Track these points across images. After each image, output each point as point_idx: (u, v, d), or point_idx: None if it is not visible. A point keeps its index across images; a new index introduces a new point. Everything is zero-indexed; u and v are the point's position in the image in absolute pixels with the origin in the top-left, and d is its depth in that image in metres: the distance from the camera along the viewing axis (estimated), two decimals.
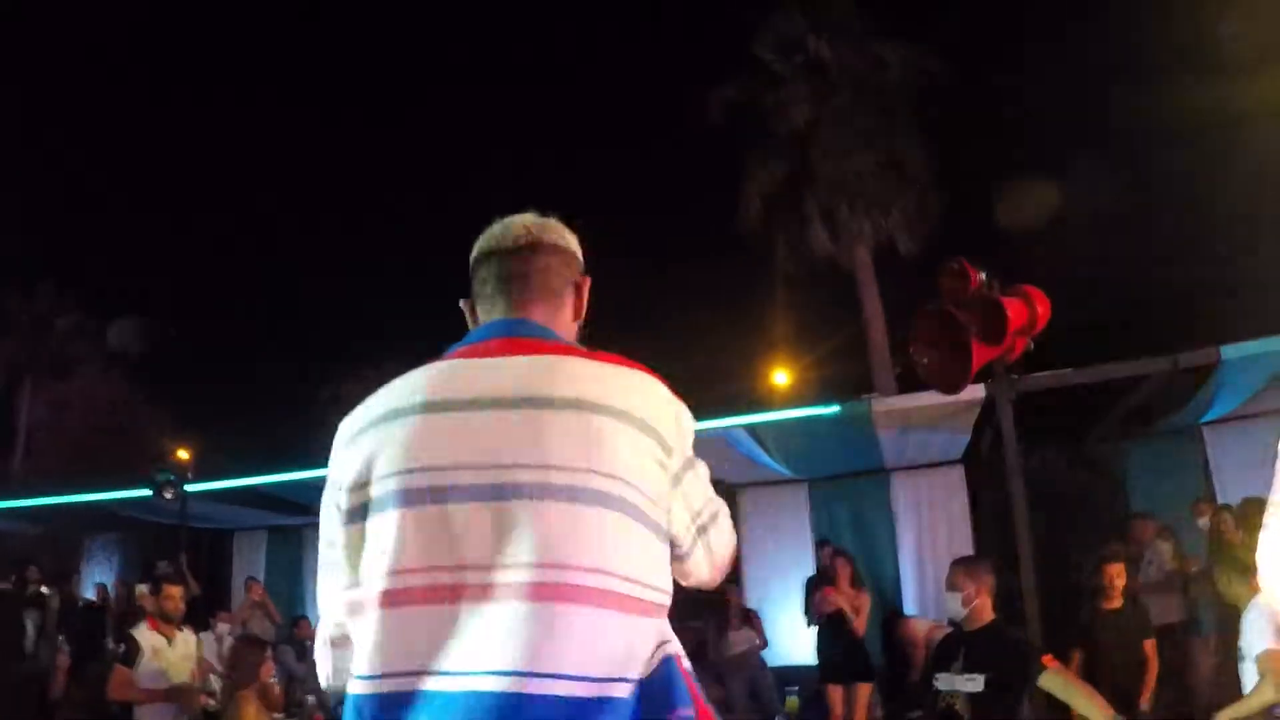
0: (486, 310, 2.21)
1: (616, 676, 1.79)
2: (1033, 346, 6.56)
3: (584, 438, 1.88)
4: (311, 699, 10.83)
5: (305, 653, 13.30)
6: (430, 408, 1.95)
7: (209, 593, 13.55)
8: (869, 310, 20.79)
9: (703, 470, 2.10)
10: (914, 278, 19.52)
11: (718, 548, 2.16)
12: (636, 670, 1.82)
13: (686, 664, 1.97)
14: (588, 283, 2.29)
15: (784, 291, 22.83)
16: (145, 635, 7.51)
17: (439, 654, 1.78)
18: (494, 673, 1.74)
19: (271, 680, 7.39)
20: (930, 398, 8.98)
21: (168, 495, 12.80)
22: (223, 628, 10.98)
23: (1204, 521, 10.23)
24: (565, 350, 2.08)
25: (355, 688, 1.87)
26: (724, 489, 12.50)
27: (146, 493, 13.13)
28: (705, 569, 2.16)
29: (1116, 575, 8.63)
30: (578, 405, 1.91)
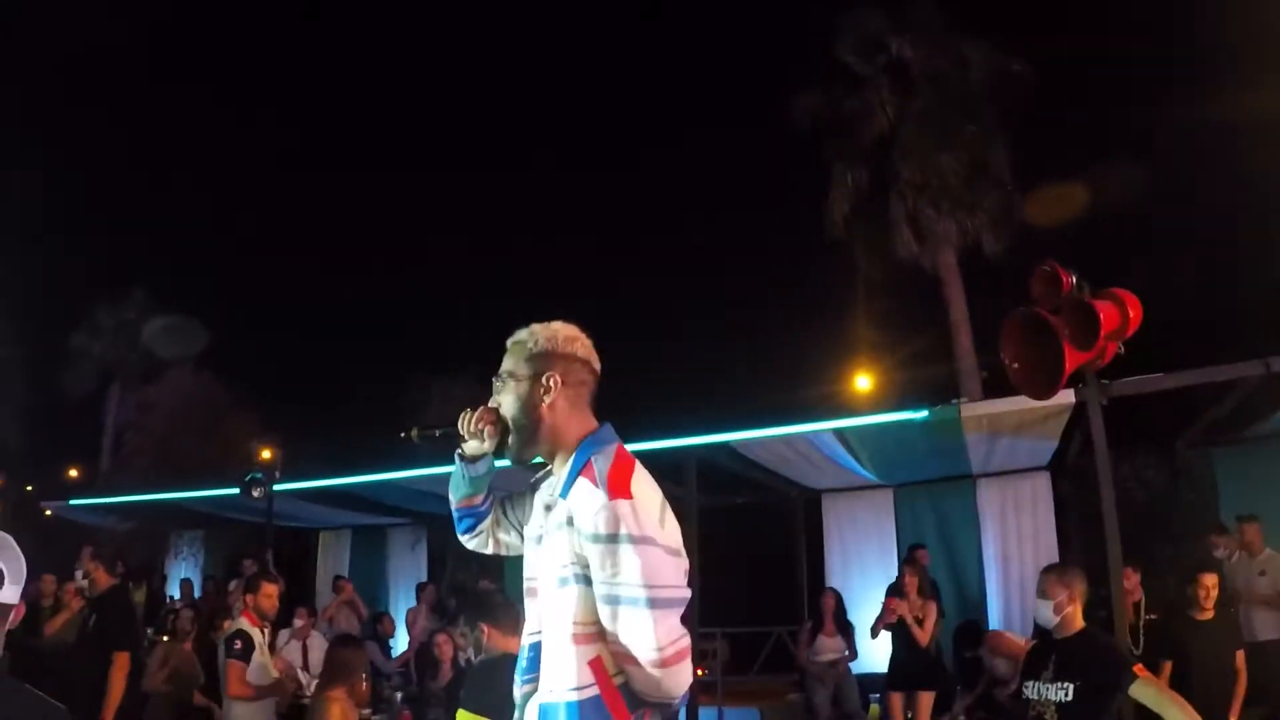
0: (586, 405, 3.04)
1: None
2: (1123, 350, 6.45)
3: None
4: (399, 695, 10.93)
5: (388, 649, 13.44)
6: None
7: (290, 590, 13.70)
8: (955, 314, 20.56)
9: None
10: (999, 280, 19.34)
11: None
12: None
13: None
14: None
15: (868, 295, 22.67)
16: (252, 631, 7.64)
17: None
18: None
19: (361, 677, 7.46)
20: (1019, 403, 8.87)
21: (255, 494, 12.96)
22: (299, 624, 11.08)
23: None
24: None
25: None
26: (805, 495, 12.43)
27: (234, 491, 13.30)
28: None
29: (1211, 585, 8.50)
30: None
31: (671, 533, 2.78)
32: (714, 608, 12.56)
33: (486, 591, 11.46)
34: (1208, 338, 15.32)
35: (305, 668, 10.24)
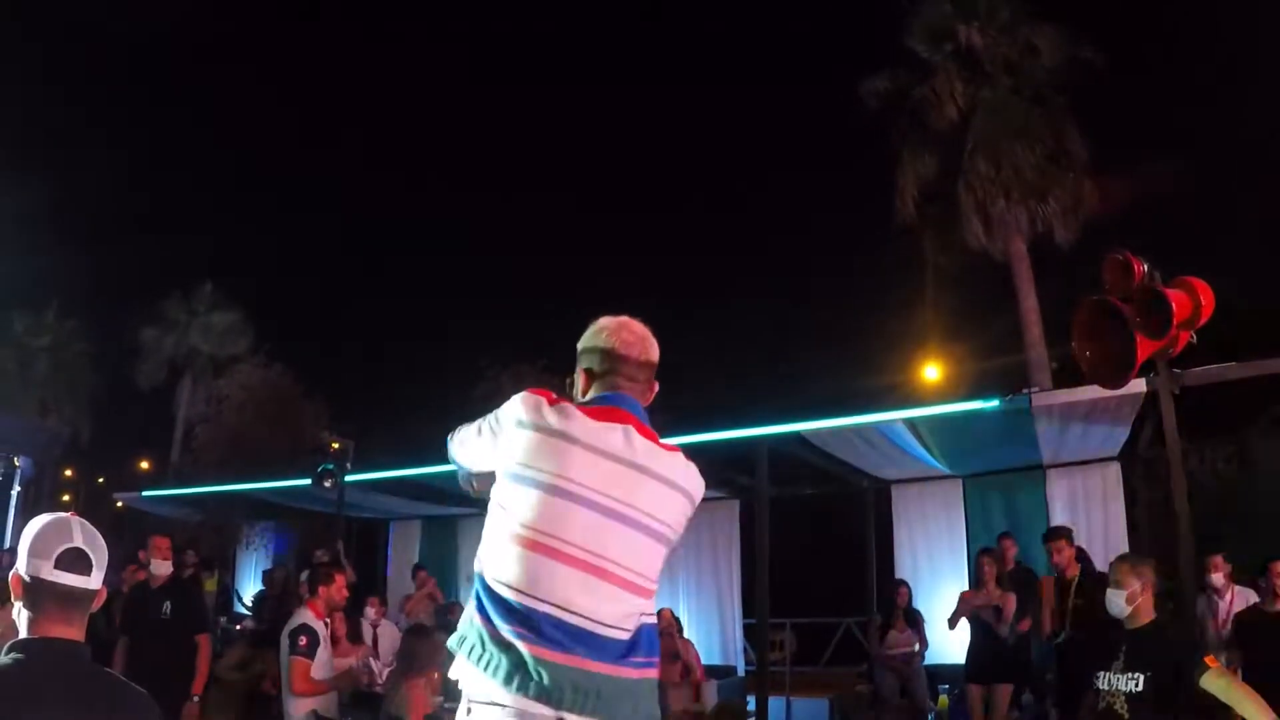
0: (602, 383, 3.24)
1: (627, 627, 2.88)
2: (1195, 340, 6.40)
3: (661, 496, 3.07)
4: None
5: None
6: (595, 448, 3.04)
7: (361, 579, 13.85)
8: (1025, 303, 20.38)
9: None
10: (1070, 269, 19.16)
11: None
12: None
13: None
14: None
15: (937, 284, 22.55)
16: (316, 625, 7.66)
17: (561, 593, 2.83)
18: (580, 613, 2.84)
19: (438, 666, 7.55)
20: (1090, 392, 8.82)
21: (327, 485, 13.10)
22: (371, 612, 11.19)
23: None
24: (652, 436, 3.09)
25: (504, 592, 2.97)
26: (875, 485, 12.40)
27: (305, 482, 13.45)
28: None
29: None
30: (659, 478, 3.05)
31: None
32: (783, 598, 12.55)
33: None
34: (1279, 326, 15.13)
35: (375, 656, 10.34)
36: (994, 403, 9.85)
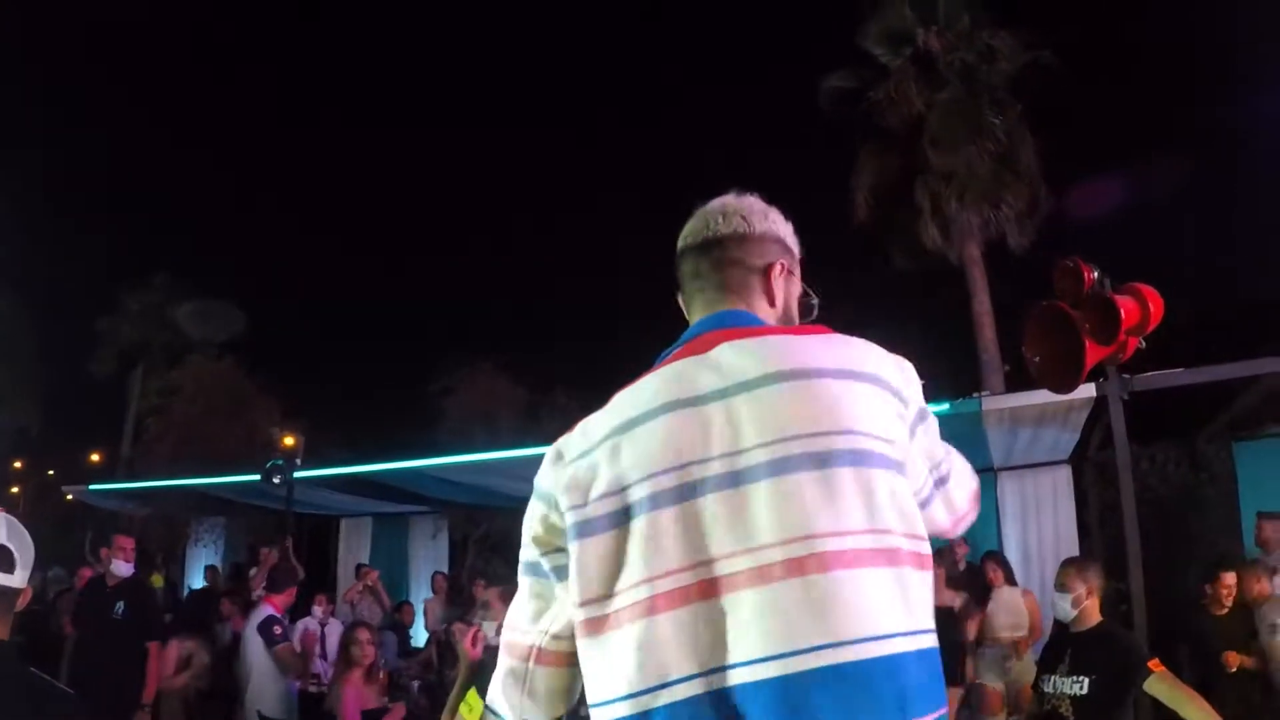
0: (690, 306, 2.25)
1: (895, 632, 1.75)
2: (1144, 345, 6.45)
3: (812, 402, 1.87)
4: (416, 684, 10.97)
5: (408, 638, 13.48)
6: (665, 409, 1.94)
7: (312, 577, 13.76)
8: (979, 306, 20.51)
9: (933, 422, 2.13)
10: (1024, 274, 19.28)
11: (958, 499, 2.26)
12: (914, 624, 1.79)
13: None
14: (783, 268, 2.23)
15: (892, 286, 22.64)
16: (280, 617, 7.78)
17: (706, 654, 1.74)
18: (763, 659, 1.70)
19: (379, 665, 7.53)
20: (1041, 396, 8.86)
21: (275, 480, 13.02)
22: (318, 610, 11.12)
23: None
24: (772, 331, 2.08)
25: (614, 712, 1.82)
26: None
27: (255, 478, 13.36)
28: (945, 518, 2.23)
29: (1231, 584, 8.51)
30: (802, 374, 1.90)
31: None
32: None
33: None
34: (1231, 333, 15.28)
35: (324, 655, 10.29)
36: (944, 406, 9.88)
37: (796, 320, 2.27)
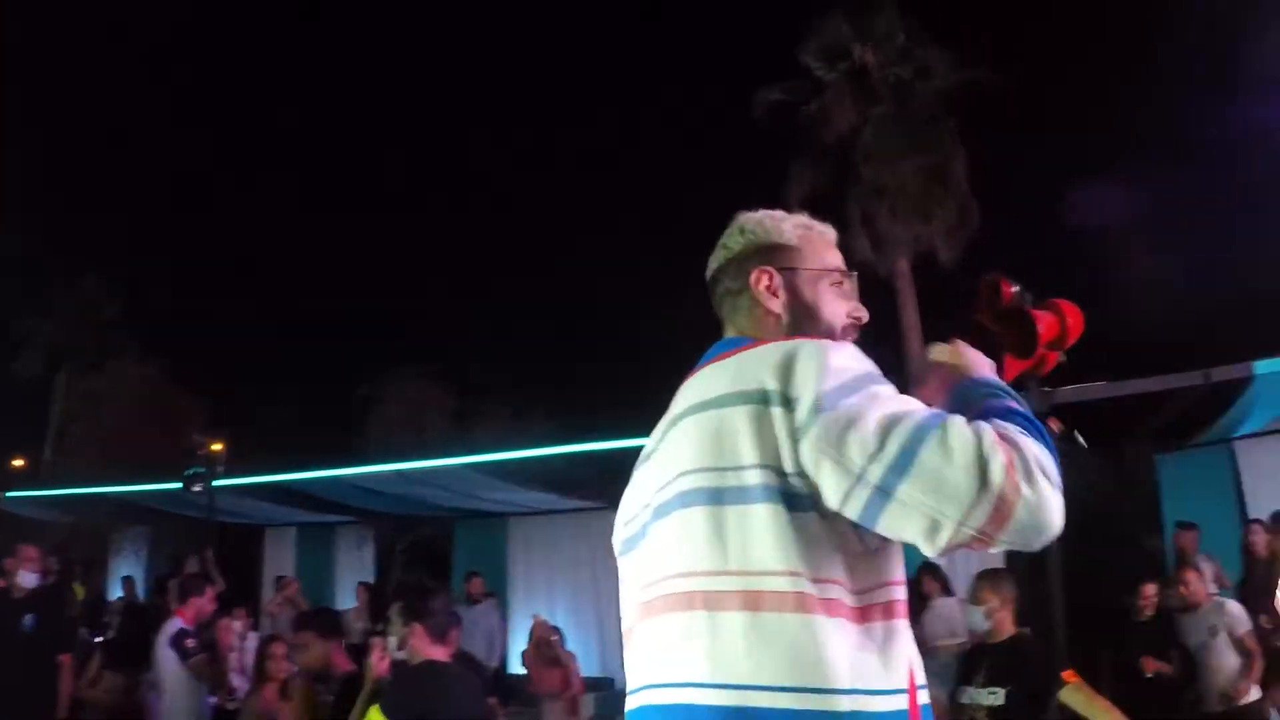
0: None
1: (686, 681, 1.74)
2: (1065, 360, 6.48)
3: (680, 445, 1.88)
4: (330, 699, 10.79)
5: None
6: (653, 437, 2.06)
7: (238, 589, 13.57)
8: (907, 320, 20.61)
9: (848, 410, 1.70)
10: (953, 289, 19.40)
11: (923, 495, 1.64)
12: (723, 676, 1.70)
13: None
14: (765, 276, 2.10)
15: None
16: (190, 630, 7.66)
17: (636, 671, 1.92)
18: (647, 686, 1.86)
19: (294, 676, 7.42)
20: None
21: (196, 489, 12.83)
22: (237, 625, 10.94)
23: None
24: (729, 354, 1.96)
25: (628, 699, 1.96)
26: None
27: (176, 485, 13.18)
28: (915, 534, 1.68)
29: (1151, 594, 8.66)
30: (688, 412, 1.90)
31: None
32: None
33: (427, 587, 11.37)
34: (1159, 346, 15.45)
35: (242, 670, 10.13)
36: None
37: (822, 316, 2.11)
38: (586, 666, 13.14)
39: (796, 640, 1.66)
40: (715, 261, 2.20)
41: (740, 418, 1.77)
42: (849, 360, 1.80)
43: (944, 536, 1.63)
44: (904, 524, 1.66)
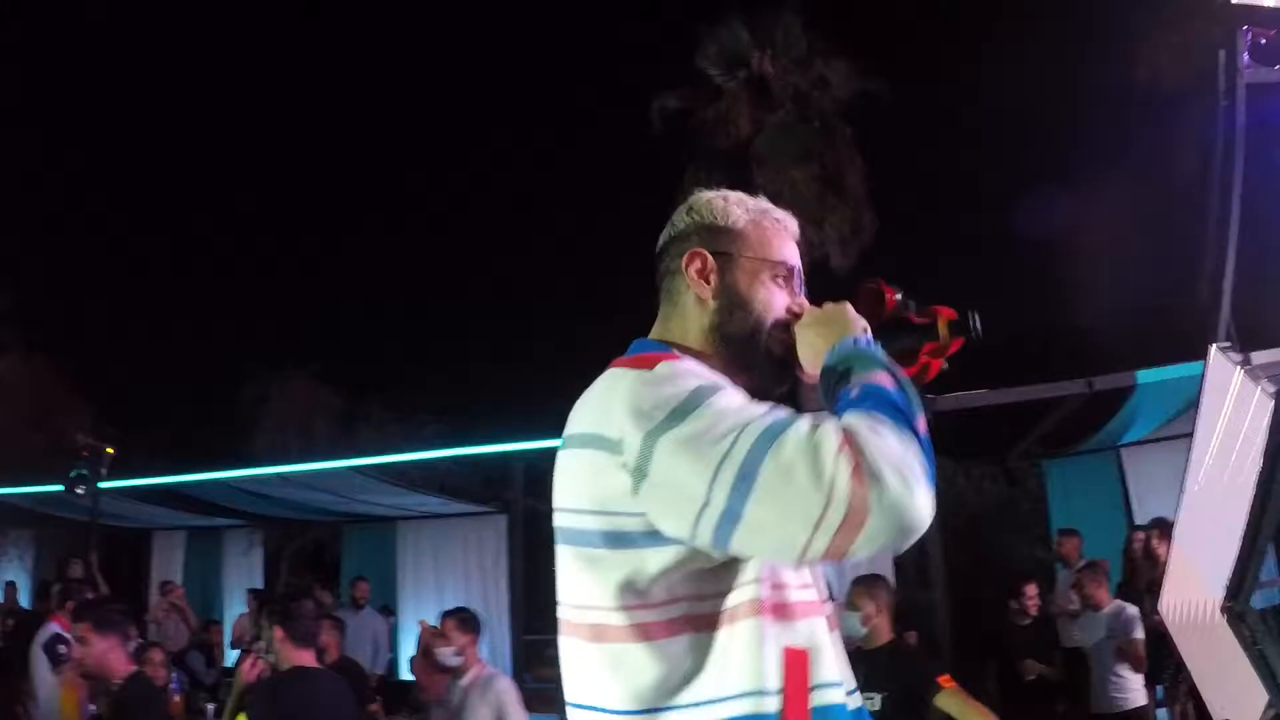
0: None
1: (630, 709, 1.73)
2: (948, 367, 6.50)
3: (558, 476, 1.88)
4: (210, 707, 10.61)
5: (214, 659, 13.03)
6: None
7: (122, 594, 13.27)
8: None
9: (686, 436, 1.63)
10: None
11: (769, 514, 1.58)
12: (593, 699, 1.78)
13: None
14: (699, 259, 2.01)
15: None
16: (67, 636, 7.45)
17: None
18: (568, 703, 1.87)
19: (171, 688, 7.30)
20: None
21: (79, 491, 12.53)
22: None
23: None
24: (617, 363, 1.90)
25: None
26: None
27: (57, 488, 12.87)
28: (774, 549, 1.64)
29: (1032, 593, 8.78)
30: (564, 441, 1.87)
31: None
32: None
33: (295, 592, 11.21)
34: (1045, 354, 15.68)
35: None
36: None
37: (753, 308, 2.01)
38: None
39: (635, 666, 1.69)
40: (661, 238, 2.12)
41: (582, 462, 1.77)
42: (673, 384, 1.73)
43: (796, 553, 1.58)
44: (757, 543, 1.62)
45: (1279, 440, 4.82)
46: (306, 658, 4.81)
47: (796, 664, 1.73)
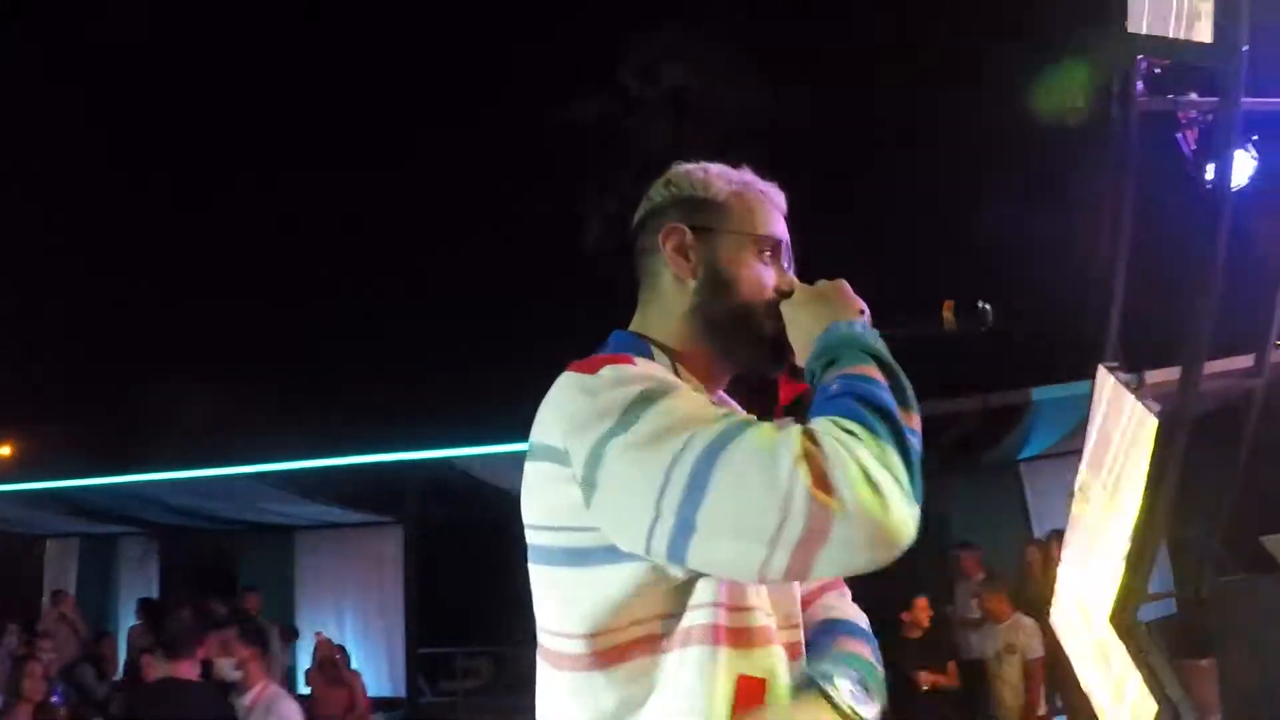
0: None
1: None
2: None
3: (525, 492, 1.70)
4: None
5: (105, 672, 12.80)
6: None
7: (14, 602, 13.02)
8: None
9: (635, 442, 1.48)
10: None
11: (723, 526, 1.42)
12: None
13: None
14: (674, 234, 1.85)
15: (617, 314, 22.90)
16: None
17: None
18: None
19: (54, 701, 7.15)
20: None
21: None
22: (11, 640, 10.48)
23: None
24: (570, 367, 1.69)
25: None
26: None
27: None
28: (738, 565, 1.46)
29: (923, 605, 8.90)
30: (528, 453, 1.68)
31: None
32: (479, 625, 12.55)
33: (163, 602, 11.04)
34: (942, 370, 15.87)
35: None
36: None
37: (738, 288, 1.83)
38: (376, 686, 12.96)
39: (593, 693, 1.60)
40: (635, 216, 1.96)
41: (539, 475, 1.63)
42: (617, 388, 1.57)
43: (753, 570, 1.42)
44: (712, 558, 1.45)
45: (1162, 458, 4.93)
46: (182, 669, 4.70)
47: (749, 694, 1.61)
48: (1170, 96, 5.81)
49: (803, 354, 1.75)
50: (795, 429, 1.44)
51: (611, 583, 1.56)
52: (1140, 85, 5.84)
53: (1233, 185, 5.18)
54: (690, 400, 1.56)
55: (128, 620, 15.33)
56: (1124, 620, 5.48)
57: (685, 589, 1.58)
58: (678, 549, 1.44)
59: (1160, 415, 4.99)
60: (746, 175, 1.93)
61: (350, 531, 14.40)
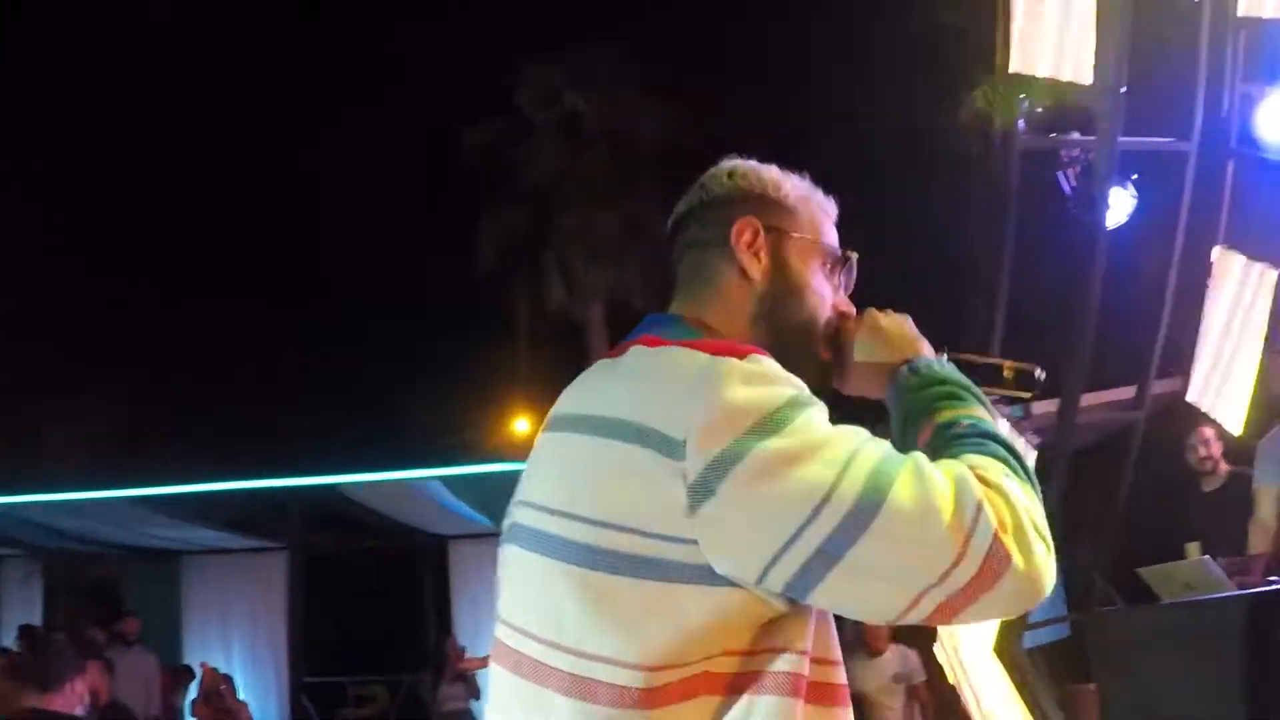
0: None
1: None
2: None
3: (559, 463, 1.48)
4: None
5: None
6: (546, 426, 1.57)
7: None
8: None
9: (781, 451, 1.28)
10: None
11: (882, 558, 1.27)
12: None
13: None
14: (749, 228, 1.62)
15: (517, 341, 22.78)
16: None
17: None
18: None
19: None
20: None
21: None
22: None
23: None
24: (656, 342, 1.50)
25: None
26: (434, 541, 12.49)
27: None
28: (866, 607, 1.36)
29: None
30: (575, 424, 1.47)
31: None
32: (371, 654, 12.43)
33: (32, 630, 10.85)
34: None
35: None
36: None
37: (807, 298, 1.63)
38: (264, 716, 12.76)
39: None
40: (685, 203, 1.74)
41: (611, 457, 1.37)
42: (767, 385, 1.36)
43: (897, 609, 1.29)
44: (850, 592, 1.30)
45: (1043, 489, 5.05)
46: (54, 701, 4.57)
47: None
48: (1052, 135, 5.97)
49: (864, 382, 1.66)
50: (959, 465, 1.34)
51: (693, 608, 1.32)
52: (1021, 124, 5.99)
53: (1110, 223, 5.34)
54: (825, 413, 1.39)
55: (9, 644, 14.96)
56: (1006, 649, 5.58)
57: (772, 627, 1.36)
58: (806, 582, 1.28)
59: (1040, 447, 5.12)
60: (807, 183, 1.75)
61: (239, 557, 14.18)
